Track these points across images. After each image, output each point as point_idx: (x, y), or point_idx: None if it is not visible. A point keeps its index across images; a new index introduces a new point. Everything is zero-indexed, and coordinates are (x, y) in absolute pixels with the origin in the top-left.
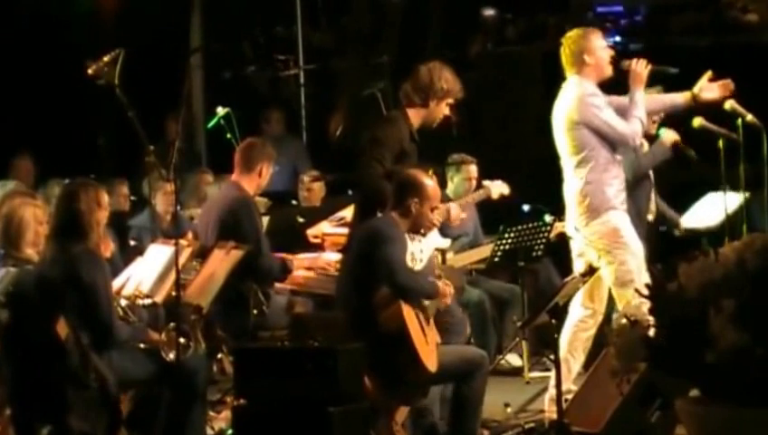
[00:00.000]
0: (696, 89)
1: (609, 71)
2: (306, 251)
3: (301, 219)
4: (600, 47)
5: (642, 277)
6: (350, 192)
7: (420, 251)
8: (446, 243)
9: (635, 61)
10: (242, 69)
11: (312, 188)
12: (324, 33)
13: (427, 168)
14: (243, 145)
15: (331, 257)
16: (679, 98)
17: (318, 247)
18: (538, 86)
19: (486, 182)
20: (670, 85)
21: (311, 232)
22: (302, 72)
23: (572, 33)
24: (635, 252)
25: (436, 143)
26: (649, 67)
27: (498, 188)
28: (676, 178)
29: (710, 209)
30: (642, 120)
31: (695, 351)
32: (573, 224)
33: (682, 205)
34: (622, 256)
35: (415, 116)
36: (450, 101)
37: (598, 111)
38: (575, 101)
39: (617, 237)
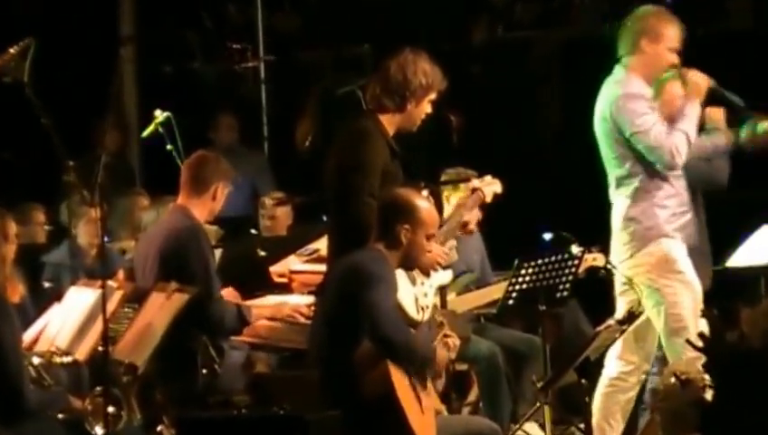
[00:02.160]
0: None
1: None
2: (269, 293)
3: (262, 253)
4: (669, 38)
5: (697, 324)
6: (324, 218)
7: (425, 296)
8: (447, 277)
9: (695, 72)
10: (185, 62)
11: (276, 214)
12: (289, 15)
13: (419, 186)
14: (192, 160)
15: (301, 302)
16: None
17: (284, 289)
18: (558, 81)
19: (474, 182)
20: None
21: (275, 269)
22: (263, 64)
23: (643, 9)
24: (691, 292)
25: (430, 155)
26: (710, 84)
27: (490, 187)
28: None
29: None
30: (689, 136)
31: (760, 418)
32: (615, 255)
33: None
34: (674, 297)
35: (390, 123)
36: (432, 96)
37: (634, 116)
38: (613, 100)
39: (668, 272)
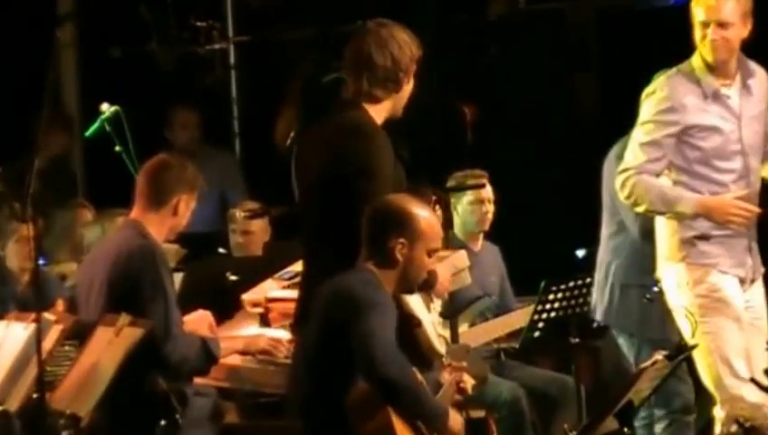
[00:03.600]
0: None
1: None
2: (249, 322)
3: (233, 277)
4: (738, 18)
5: (757, 360)
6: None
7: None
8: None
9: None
10: (138, 44)
11: (250, 230)
12: None
13: (428, 194)
14: (150, 165)
15: (280, 335)
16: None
17: (260, 320)
18: (595, 62)
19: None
20: None
21: (248, 297)
22: (233, 46)
23: None
24: (735, 317)
25: (438, 155)
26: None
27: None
28: None
29: None
30: (653, 203)
31: None
32: (659, 272)
33: None
34: (715, 324)
35: (379, 114)
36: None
37: (641, 124)
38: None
39: (710, 293)
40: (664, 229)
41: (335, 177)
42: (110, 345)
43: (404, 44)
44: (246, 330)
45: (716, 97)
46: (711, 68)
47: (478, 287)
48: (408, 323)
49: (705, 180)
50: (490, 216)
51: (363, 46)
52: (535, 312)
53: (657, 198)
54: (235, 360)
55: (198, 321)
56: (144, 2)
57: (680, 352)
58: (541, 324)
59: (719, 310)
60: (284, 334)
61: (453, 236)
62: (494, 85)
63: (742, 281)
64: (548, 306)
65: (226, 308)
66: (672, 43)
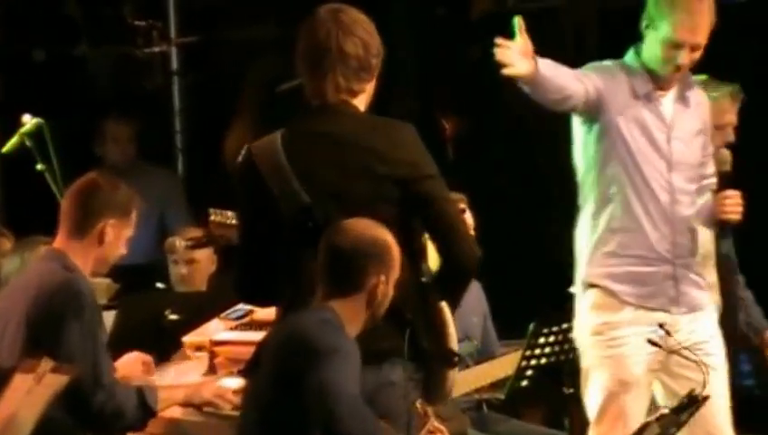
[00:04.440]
0: None
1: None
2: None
3: (173, 316)
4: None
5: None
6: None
7: None
8: None
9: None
10: (66, 46)
11: (194, 260)
12: None
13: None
14: (76, 186)
15: (228, 384)
16: None
17: (205, 366)
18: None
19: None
20: None
21: (191, 339)
22: (175, 49)
23: None
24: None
25: None
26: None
27: None
28: None
29: None
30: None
31: None
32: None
33: None
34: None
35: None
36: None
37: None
38: None
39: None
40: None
41: (390, 183)
42: (29, 395)
43: (368, 26)
44: (188, 377)
45: (648, 99)
46: (653, 75)
47: (458, 329)
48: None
49: (635, 173)
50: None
51: (328, 36)
52: (523, 358)
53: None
54: (175, 412)
55: (132, 365)
56: None
57: (691, 404)
58: (529, 372)
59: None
60: (232, 383)
61: (426, 271)
62: (476, 92)
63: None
64: (538, 351)
65: (165, 352)
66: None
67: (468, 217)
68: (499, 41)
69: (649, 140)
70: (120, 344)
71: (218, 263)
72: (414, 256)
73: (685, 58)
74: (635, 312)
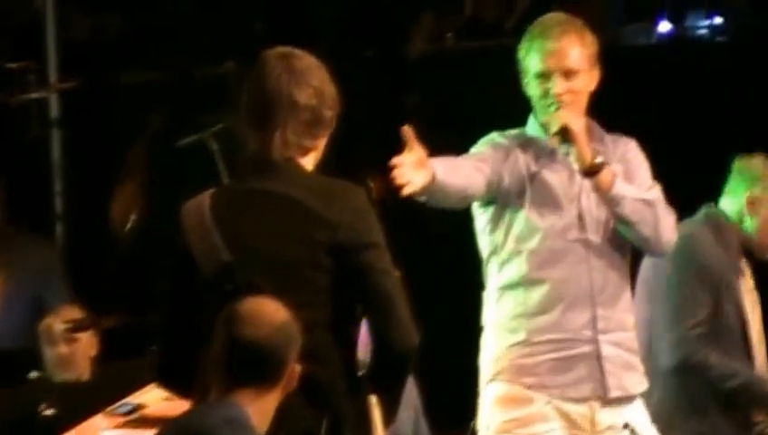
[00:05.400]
0: None
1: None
2: None
3: (48, 410)
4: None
5: None
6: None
7: None
8: None
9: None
10: None
11: (73, 345)
12: (100, 16)
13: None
14: None
15: None
16: None
17: None
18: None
19: None
20: None
21: None
22: (55, 96)
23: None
24: None
25: None
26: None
27: None
28: None
29: None
30: None
31: None
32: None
33: None
34: None
35: (310, 167)
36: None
37: None
38: None
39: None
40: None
41: (326, 249)
42: None
43: (323, 73)
44: None
45: (552, 154)
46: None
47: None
48: None
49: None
50: None
51: (278, 85)
52: None
53: None
54: None
55: None
56: None
57: None
58: None
59: None
60: None
61: (361, 362)
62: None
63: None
64: None
65: None
66: (659, 85)
67: None
68: (395, 160)
69: (555, 186)
70: None
71: (101, 348)
72: (347, 339)
73: (558, 86)
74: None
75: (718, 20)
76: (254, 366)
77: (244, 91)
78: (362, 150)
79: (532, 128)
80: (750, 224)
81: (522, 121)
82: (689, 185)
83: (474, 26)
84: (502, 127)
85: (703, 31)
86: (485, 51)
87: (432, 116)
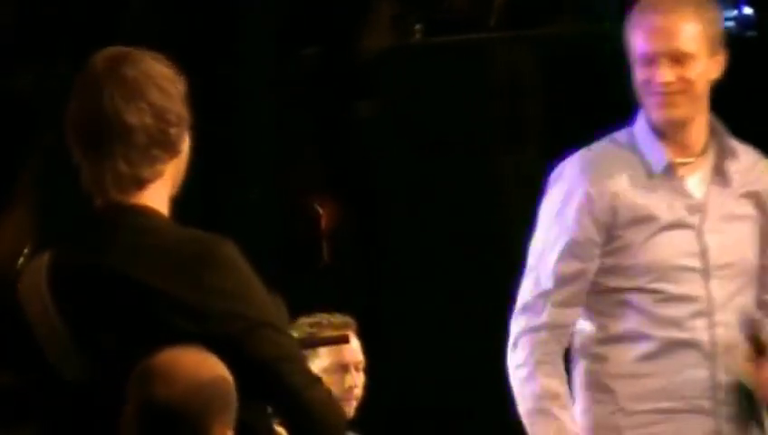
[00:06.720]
0: None
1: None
2: None
3: None
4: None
5: None
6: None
7: None
8: None
9: None
10: None
11: None
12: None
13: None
14: None
15: None
16: None
17: None
18: (531, 127)
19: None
20: None
21: None
22: None
23: None
24: None
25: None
26: None
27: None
28: None
29: None
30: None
31: None
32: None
33: None
34: None
35: (159, 201)
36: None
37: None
38: None
39: None
40: None
41: (200, 342)
42: None
43: (167, 82)
44: None
45: (668, 174)
46: (660, 133)
47: None
48: None
49: (635, 314)
50: (358, 393)
51: (101, 101)
52: None
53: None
54: None
55: None
56: None
57: None
58: None
59: None
60: None
61: None
62: (366, 162)
63: None
64: None
65: None
66: None
67: (356, 350)
68: None
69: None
70: None
71: None
72: None
73: (666, 74)
74: None
75: (748, 11)
76: (167, 434)
77: (68, 108)
78: (303, 169)
79: (640, 131)
80: None
81: (511, 136)
82: None
83: (447, 17)
84: (481, 142)
85: (730, 23)
86: (463, 47)
87: (391, 128)
